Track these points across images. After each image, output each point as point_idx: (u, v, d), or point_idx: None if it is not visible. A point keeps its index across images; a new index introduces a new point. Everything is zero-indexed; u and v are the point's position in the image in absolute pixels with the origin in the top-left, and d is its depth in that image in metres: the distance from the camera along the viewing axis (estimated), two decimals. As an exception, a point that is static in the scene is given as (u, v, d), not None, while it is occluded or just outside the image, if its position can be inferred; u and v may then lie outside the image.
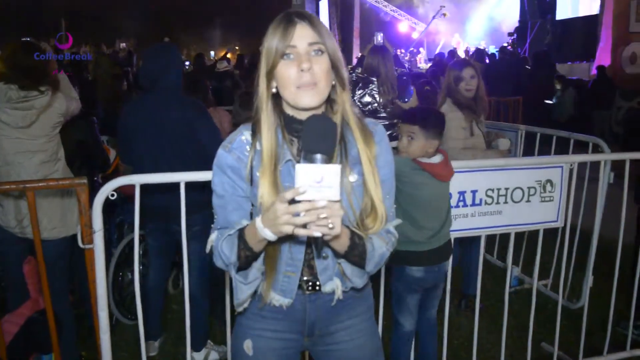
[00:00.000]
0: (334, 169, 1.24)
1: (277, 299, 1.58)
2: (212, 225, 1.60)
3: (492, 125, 4.59)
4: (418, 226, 2.51)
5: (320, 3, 26.52)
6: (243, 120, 3.22)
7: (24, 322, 2.64)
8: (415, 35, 20.29)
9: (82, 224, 2.24)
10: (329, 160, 1.33)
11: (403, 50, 17.93)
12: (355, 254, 1.48)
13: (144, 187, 2.36)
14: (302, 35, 1.43)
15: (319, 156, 1.30)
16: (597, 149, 3.82)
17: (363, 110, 3.76)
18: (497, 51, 13.73)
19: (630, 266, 3.41)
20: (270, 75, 1.47)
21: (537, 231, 3.08)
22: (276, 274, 1.55)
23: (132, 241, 3.77)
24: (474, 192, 2.77)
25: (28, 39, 3.01)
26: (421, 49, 19.29)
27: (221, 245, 1.50)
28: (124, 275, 3.76)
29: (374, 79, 3.86)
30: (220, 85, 6.06)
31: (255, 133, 1.53)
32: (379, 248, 1.52)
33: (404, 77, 3.04)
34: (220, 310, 3.78)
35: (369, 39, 18.29)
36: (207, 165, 3.25)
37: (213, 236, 1.57)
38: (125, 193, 3.10)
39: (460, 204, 2.76)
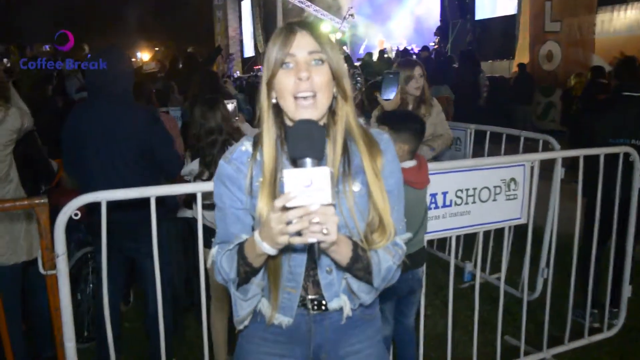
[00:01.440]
0: (323, 171, 1.19)
1: (277, 317, 1.51)
2: (213, 240, 1.55)
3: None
4: None
5: (243, 3, 26.24)
6: (205, 130, 3.07)
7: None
8: (337, 36, 20.48)
9: (42, 247, 2.04)
10: (317, 164, 1.27)
11: None
12: (359, 267, 1.42)
13: (94, 203, 2.16)
14: (301, 45, 1.39)
15: (307, 160, 1.25)
16: (547, 147, 3.98)
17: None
18: (419, 50, 14.02)
19: (579, 257, 3.56)
20: (270, 85, 1.43)
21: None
22: (278, 291, 1.49)
23: (78, 262, 3.54)
24: (444, 193, 2.79)
25: None
26: (344, 49, 19.47)
27: (221, 260, 1.45)
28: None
29: None
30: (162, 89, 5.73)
31: (257, 145, 1.48)
32: (385, 261, 1.45)
33: (391, 76, 3.02)
34: (182, 329, 3.64)
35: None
36: (161, 177, 3.09)
37: (214, 250, 1.52)
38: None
39: (432, 206, 2.77)
